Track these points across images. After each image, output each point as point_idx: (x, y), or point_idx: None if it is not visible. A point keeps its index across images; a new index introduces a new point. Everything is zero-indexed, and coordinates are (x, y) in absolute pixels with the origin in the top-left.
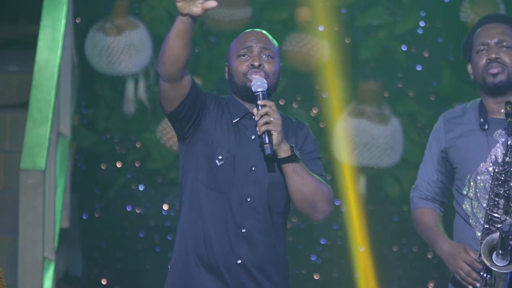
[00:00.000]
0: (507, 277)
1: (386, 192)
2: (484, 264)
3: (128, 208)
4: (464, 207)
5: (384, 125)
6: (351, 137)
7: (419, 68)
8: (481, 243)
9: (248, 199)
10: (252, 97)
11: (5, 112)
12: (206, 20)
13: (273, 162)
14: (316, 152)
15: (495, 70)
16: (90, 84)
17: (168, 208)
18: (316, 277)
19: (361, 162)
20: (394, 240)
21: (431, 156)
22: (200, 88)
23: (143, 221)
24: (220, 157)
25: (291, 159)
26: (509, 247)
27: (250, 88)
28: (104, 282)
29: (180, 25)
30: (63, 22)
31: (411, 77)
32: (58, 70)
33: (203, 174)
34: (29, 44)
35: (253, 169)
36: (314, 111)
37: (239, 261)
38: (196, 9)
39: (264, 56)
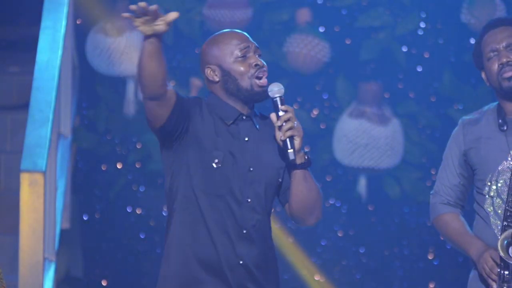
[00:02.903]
0: None
1: (386, 193)
2: (502, 259)
3: (129, 209)
4: (485, 207)
5: (384, 126)
6: (352, 138)
7: (419, 69)
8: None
9: (248, 200)
10: (249, 99)
11: (6, 113)
12: (206, 21)
13: (289, 167)
14: None
15: (509, 74)
16: (90, 85)
17: None
18: (316, 278)
19: (361, 163)
20: (394, 241)
21: (451, 160)
22: (182, 95)
23: (144, 222)
24: (216, 160)
25: (307, 165)
26: None
27: (258, 90)
28: (104, 283)
29: (149, 47)
30: (63, 23)
31: (412, 78)
32: (59, 71)
33: (198, 179)
34: (30, 46)
35: (251, 169)
36: (315, 112)
37: (241, 262)
38: (160, 27)
39: (258, 56)
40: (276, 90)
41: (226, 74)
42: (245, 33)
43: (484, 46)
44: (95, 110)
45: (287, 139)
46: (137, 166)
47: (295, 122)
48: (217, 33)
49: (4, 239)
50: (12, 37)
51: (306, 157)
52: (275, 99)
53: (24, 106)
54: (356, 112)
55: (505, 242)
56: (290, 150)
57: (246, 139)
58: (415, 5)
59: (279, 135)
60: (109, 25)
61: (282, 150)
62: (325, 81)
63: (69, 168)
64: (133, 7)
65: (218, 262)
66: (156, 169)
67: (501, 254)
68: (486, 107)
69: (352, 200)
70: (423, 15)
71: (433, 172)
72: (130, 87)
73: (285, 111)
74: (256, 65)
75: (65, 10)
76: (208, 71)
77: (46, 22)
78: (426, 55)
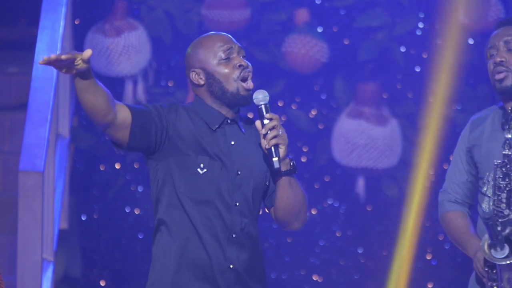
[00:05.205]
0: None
1: (385, 193)
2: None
3: (127, 209)
4: (483, 206)
5: (383, 127)
6: (350, 138)
7: (418, 69)
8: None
9: (237, 204)
10: (235, 103)
11: (4, 113)
12: (205, 21)
13: (274, 174)
14: None
15: (500, 76)
16: None
17: None
18: (315, 278)
19: (360, 163)
20: (393, 242)
21: (459, 157)
22: (146, 107)
23: (142, 223)
24: (202, 165)
25: (292, 172)
26: (500, 237)
27: (243, 94)
28: (102, 283)
29: (80, 84)
30: (62, 23)
31: (410, 79)
32: (57, 71)
33: (183, 185)
34: (28, 46)
35: (239, 173)
36: (313, 112)
37: (231, 266)
38: (80, 66)
39: (242, 57)
40: (261, 97)
41: (211, 77)
42: (228, 35)
43: (488, 45)
44: None
45: (272, 148)
46: (136, 166)
47: (280, 130)
48: (200, 36)
49: (2, 240)
50: (11, 37)
51: (291, 164)
52: (260, 107)
53: (22, 106)
54: (355, 113)
55: (488, 242)
56: (275, 159)
57: (232, 143)
58: (414, 6)
59: (264, 144)
60: (108, 26)
61: (267, 156)
62: (324, 81)
63: (67, 168)
64: (48, 58)
65: (209, 266)
66: None
67: (484, 254)
68: (495, 105)
69: (350, 200)
70: (422, 16)
71: (431, 173)
72: (129, 87)
73: (270, 119)
74: (240, 65)
75: (63, 10)
76: (193, 75)
77: (44, 23)
78: (425, 56)
